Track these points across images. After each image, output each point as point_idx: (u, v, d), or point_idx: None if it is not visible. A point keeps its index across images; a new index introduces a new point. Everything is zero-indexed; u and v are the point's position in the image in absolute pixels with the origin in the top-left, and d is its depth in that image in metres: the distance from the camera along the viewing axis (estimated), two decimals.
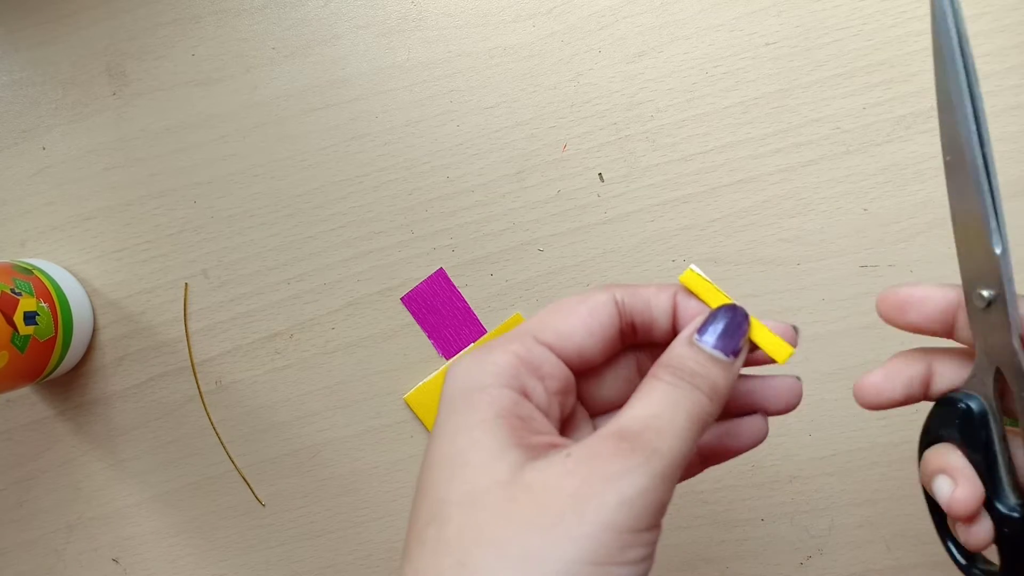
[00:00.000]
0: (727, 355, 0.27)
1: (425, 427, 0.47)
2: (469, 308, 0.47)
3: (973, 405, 0.28)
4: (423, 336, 0.47)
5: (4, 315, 0.42)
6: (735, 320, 0.27)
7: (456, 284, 0.47)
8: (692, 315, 0.29)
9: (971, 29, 0.43)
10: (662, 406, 0.25)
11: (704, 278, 0.29)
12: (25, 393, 0.50)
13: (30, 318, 0.44)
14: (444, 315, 0.47)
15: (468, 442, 0.25)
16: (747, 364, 0.29)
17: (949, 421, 0.28)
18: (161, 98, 0.49)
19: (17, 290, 0.44)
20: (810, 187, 0.44)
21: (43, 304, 0.45)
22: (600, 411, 0.31)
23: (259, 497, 0.49)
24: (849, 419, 0.44)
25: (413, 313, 0.47)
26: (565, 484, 0.23)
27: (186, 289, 0.49)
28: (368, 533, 0.48)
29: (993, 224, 0.27)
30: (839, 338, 0.44)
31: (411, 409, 0.47)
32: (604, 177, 0.46)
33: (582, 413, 0.31)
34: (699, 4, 0.45)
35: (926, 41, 0.43)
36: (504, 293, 0.47)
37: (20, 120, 0.50)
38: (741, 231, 0.45)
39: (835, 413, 0.44)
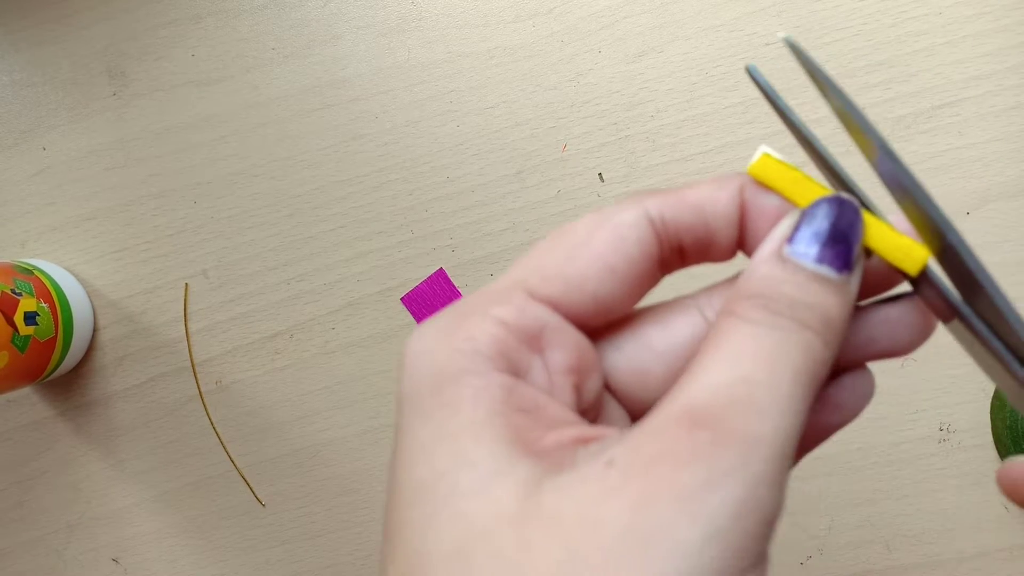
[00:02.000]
0: (839, 270, 0.18)
1: None
2: None
3: None
4: None
5: (4, 315, 0.42)
6: (844, 216, 0.18)
7: (456, 284, 0.47)
8: (773, 218, 0.19)
9: (970, 29, 0.43)
10: (754, 362, 0.17)
11: (785, 163, 0.20)
12: (25, 393, 0.50)
13: (30, 318, 0.44)
14: None
15: (452, 459, 0.17)
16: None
17: None
18: (161, 98, 0.49)
19: (17, 290, 0.44)
20: None
21: (43, 304, 0.45)
22: (643, 402, 0.21)
23: (259, 497, 0.49)
24: None
25: (413, 313, 0.47)
26: (611, 513, 0.15)
27: (186, 289, 0.49)
28: (368, 533, 0.48)
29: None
30: None
31: None
32: (604, 177, 0.46)
33: (615, 408, 0.21)
34: (699, 4, 0.45)
35: (926, 41, 0.43)
36: None
37: (20, 120, 0.50)
38: None
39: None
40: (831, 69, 0.44)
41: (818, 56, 0.44)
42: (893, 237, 0.19)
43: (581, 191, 0.46)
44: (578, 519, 0.15)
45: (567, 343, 0.19)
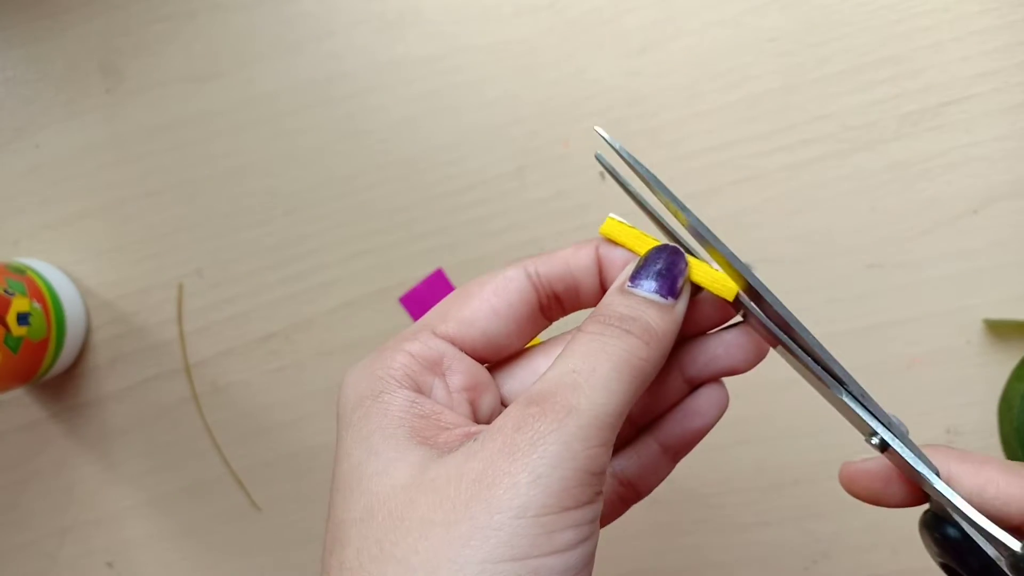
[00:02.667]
0: (665, 296, 0.24)
1: None
2: None
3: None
4: None
5: None
6: (670, 259, 0.24)
7: (455, 284, 0.46)
8: (621, 266, 0.26)
9: (976, 25, 0.43)
10: (581, 357, 0.22)
11: (627, 225, 0.26)
12: (18, 395, 0.50)
13: (23, 319, 0.44)
14: None
15: (364, 453, 0.22)
16: (700, 326, 0.26)
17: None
18: (155, 95, 0.49)
19: (10, 290, 0.44)
20: (815, 185, 0.44)
21: (36, 304, 0.45)
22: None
23: (255, 501, 0.48)
24: None
25: (411, 313, 0.47)
26: (469, 468, 0.20)
27: (180, 289, 0.48)
28: None
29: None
30: (846, 338, 0.43)
31: None
32: (604, 175, 0.45)
33: None
34: None
35: (933, 37, 0.43)
36: None
37: (13, 118, 0.50)
38: (745, 229, 0.44)
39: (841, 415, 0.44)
40: (836, 65, 0.43)
41: (823, 52, 0.44)
42: (710, 272, 0.25)
43: (581, 190, 0.45)
44: (447, 478, 0.20)
45: (462, 369, 0.25)
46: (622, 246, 0.26)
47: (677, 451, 0.27)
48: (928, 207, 0.43)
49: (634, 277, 0.24)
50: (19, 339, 0.43)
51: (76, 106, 0.49)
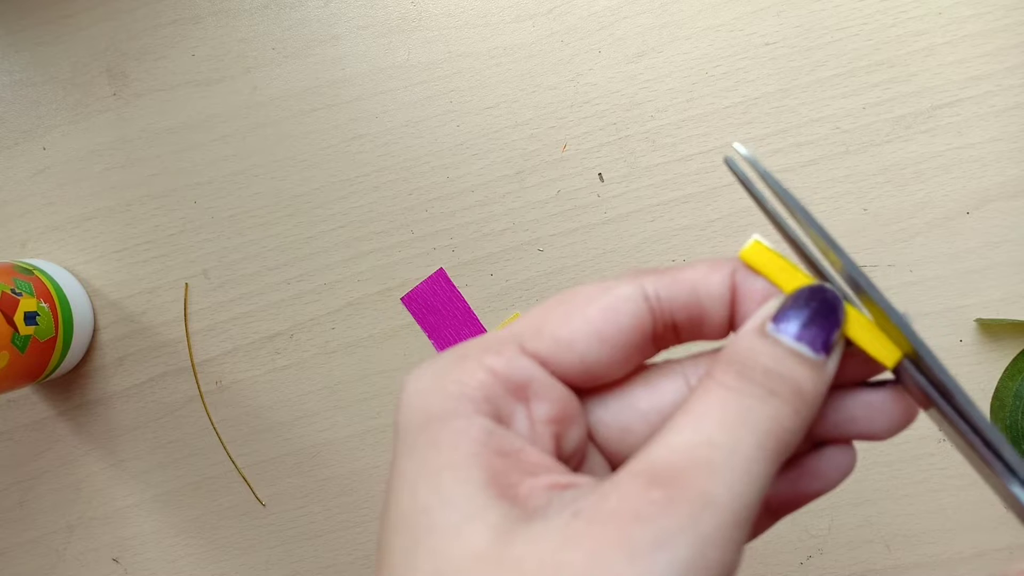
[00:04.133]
0: (816, 351, 0.19)
1: None
2: (469, 308, 0.47)
3: None
4: (423, 336, 0.47)
5: (4, 315, 0.42)
6: (826, 305, 0.20)
7: (456, 284, 0.47)
8: (760, 300, 0.21)
9: (969, 29, 0.43)
10: (719, 425, 0.18)
11: (774, 251, 0.21)
12: (25, 393, 0.50)
13: (30, 318, 0.44)
14: (444, 315, 0.47)
15: (432, 495, 0.18)
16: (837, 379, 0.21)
17: None
18: (161, 98, 0.49)
19: (17, 290, 0.44)
20: (810, 187, 0.44)
21: (43, 304, 0.45)
22: (624, 456, 0.22)
23: (259, 497, 0.49)
24: None
25: (413, 313, 0.47)
26: (568, 561, 0.16)
27: (186, 289, 0.49)
28: (368, 533, 0.48)
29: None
30: None
31: None
32: (604, 177, 0.46)
33: (598, 458, 0.22)
34: (699, 4, 0.45)
35: (926, 41, 0.43)
36: (504, 293, 0.47)
37: (20, 120, 0.50)
38: (741, 231, 0.45)
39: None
40: (830, 69, 0.44)
41: (818, 56, 0.44)
42: (871, 331, 0.21)
43: (581, 191, 0.46)
44: (539, 565, 0.16)
45: (551, 396, 0.20)
46: (764, 276, 0.21)
47: (782, 511, 0.22)
48: (921, 208, 0.44)
49: (779, 319, 0.20)
50: (27, 338, 0.44)
51: (83, 109, 0.50)
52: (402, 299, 0.47)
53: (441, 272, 0.47)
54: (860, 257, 0.44)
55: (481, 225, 0.47)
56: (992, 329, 0.43)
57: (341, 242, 0.48)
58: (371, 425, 0.48)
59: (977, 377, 0.43)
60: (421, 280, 0.47)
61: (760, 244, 0.21)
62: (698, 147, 0.45)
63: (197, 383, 0.49)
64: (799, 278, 0.21)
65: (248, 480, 0.49)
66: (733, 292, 0.21)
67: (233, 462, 0.49)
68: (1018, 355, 0.41)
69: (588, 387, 0.22)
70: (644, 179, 0.45)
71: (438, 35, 0.47)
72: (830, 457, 0.22)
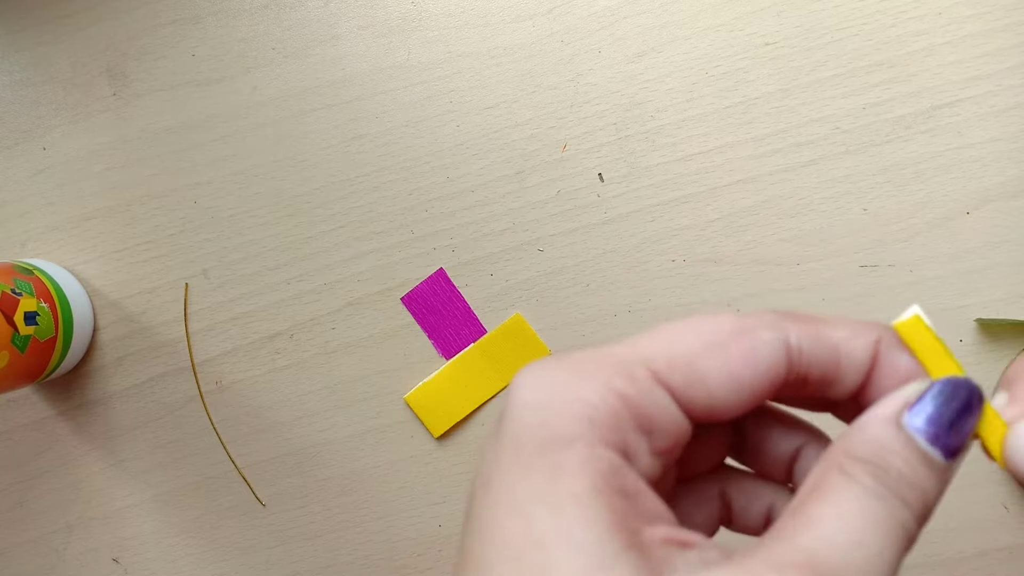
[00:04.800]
0: (947, 456, 0.18)
1: (425, 427, 0.47)
2: (469, 308, 0.47)
3: None
4: (423, 336, 0.47)
5: (4, 315, 0.42)
6: (969, 404, 0.19)
7: (456, 284, 0.47)
8: (901, 378, 0.20)
9: (969, 29, 0.43)
10: (871, 532, 0.17)
11: (931, 330, 0.20)
12: (25, 393, 0.50)
13: (30, 318, 0.44)
14: (444, 315, 0.47)
15: (553, 530, 0.17)
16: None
17: None
18: (161, 98, 0.49)
19: (17, 290, 0.44)
20: (810, 187, 0.44)
21: (43, 304, 0.45)
22: (693, 472, 0.23)
23: (259, 497, 0.49)
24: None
25: (413, 313, 0.47)
26: None
27: (186, 289, 0.49)
28: (368, 533, 0.48)
29: None
30: None
31: (411, 409, 0.47)
32: (604, 177, 0.46)
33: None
34: (699, 4, 0.45)
35: (926, 41, 0.43)
36: (504, 293, 0.47)
37: (20, 120, 0.50)
38: (741, 231, 0.45)
39: None
40: (830, 69, 0.44)
41: (818, 56, 0.44)
42: (999, 425, 0.20)
43: (581, 191, 0.46)
44: None
45: (673, 431, 0.20)
46: (913, 353, 0.20)
47: None
48: (921, 209, 0.44)
49: (915, 408, 0.19)
50: (27, 338, 0.44)
51: (83, 109, 0.50)
52: (402, 299, 0.47)
53: (441, 272, 0.47)
54: (860, 257, 0.44)
55: (481, 225, 0.47)
56: (992, 329, 0.43)
57: (341, 242, 0.48)
58: (371, 425, 0.48)
59: (977, 377, 0.42)
60: (421, 280, 0.47)
61: (920, 320, 0.20)
62: (698, 147, 0.45)
63: (197, 383, 0.49)
64: (949, 365, 0.20)
65: (248, 480, 0.49)
66: (874, 361, 0.20)
67: (233, 462, 0.49)
68: (1018, 355, 0.41)
69: (702, 423, 0.21)
70: (644, 179, 0.45)
71: (438, 35, 0.47)
72: None
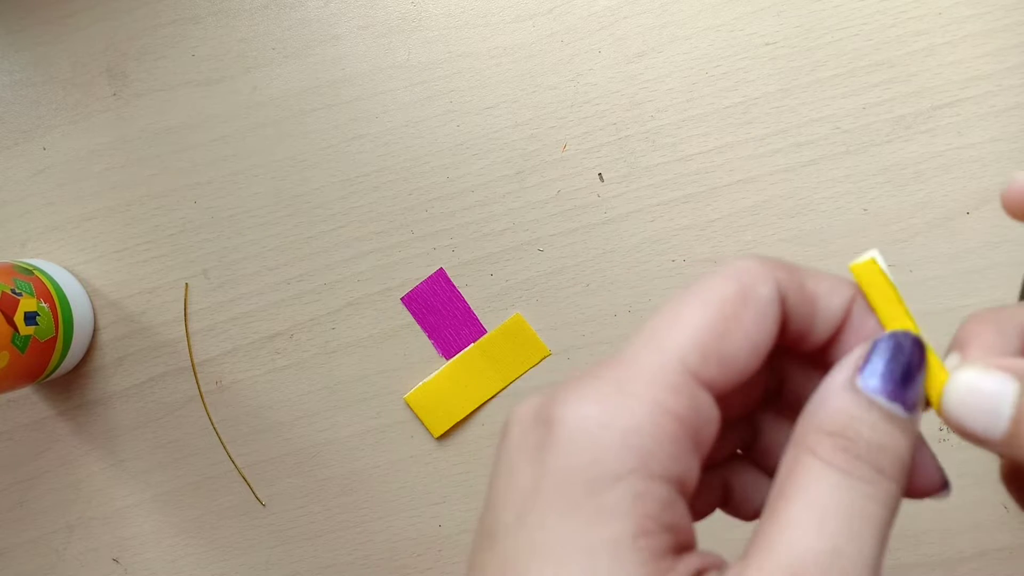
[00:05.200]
0: (908, 410, 0.18)
1: (425, 427, 0.47)
2: (469, 308, 0.47)
3: None
4: (423, 336, 0.47)
5: (5, 315, 0.42)
6: (915, 353, 0.19)
7: (456, 284, 0.47)
8: (864, 336, 0.20)
9: (969, 29, 0.43)
10: (841, 525, 0.17)
11: (886, 275, 0.20)
12: (26, 393, 0.50)
13: (30, 318, 0.44)
14: (444, 315, 0.47)
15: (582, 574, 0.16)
16: None
17: None
18: (161, 98, 0.49)
19: (17, 290, 0.44)
20: (810, 187, 0.44)
21: (44, 304, 0.45)
22: (707, 466, 0.22)
23: (259, 497, 0.49)
24: None
25: (413, 313, 0.47)
26: None
27: (186, 289, 0.49)
28: (368, 533, 0.48)
29: None
30: None
31: (411, 409, 0.47)
32: (604, 177, 0.46)
33: None
34: (699, 4, 0.45)
35: (926, 41, 0.43)
36: (504, 293, 0.47)
37: (20, 120, 0.50)
38: (741, 231, 0.45)
39: None
40: (831, 69, 0.44)
41: (818, 56, 0.44)
42: (938, 369, 0.19)
43: (581, 191, 0.46)
44: None
45: (712, 431, 0.19)
46: (867, 299, 0.20)
47: None
48: (921, 209, 0.44)
49: (869, 370, 0.18)
50: (27, 338, 0.44)
51: (83, 109, 0.50)
52: (402, 299, 0.47)
53: (441, 272, 0.47)
54: (859, 257, 0.44)
55: (481, 225, 0.47)
56: None
57: (341, 242, 0.48)
58: (371, 425, 0.48)
59: None
60: (421, 280, 0.47)
61: (875, 264, 0.20)
62: (698, 147, 0.45)
63: (197, 383, 0.49)
64: (900, 316, 0.20)
65: (248, 480, 0.49)
66: (845, 318, 0.20)
67: (233, 462, 0.49)
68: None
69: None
70: (644, 179, 0.45)
71: (438, 35, 0.47)
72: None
